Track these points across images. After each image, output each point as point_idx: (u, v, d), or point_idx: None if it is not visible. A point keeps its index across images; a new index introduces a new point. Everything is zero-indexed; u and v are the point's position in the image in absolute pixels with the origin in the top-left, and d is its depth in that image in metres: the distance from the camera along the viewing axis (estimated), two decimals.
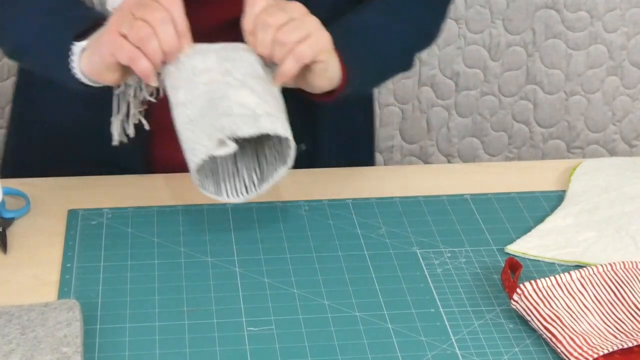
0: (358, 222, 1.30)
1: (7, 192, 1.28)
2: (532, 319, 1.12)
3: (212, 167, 1.19)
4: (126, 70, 1.19)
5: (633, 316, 1.13)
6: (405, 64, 1.44)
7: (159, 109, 1.31)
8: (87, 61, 1.20)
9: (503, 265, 1.22)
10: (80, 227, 1.27)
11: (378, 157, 2.22)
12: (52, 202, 1.31)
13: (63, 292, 1.15)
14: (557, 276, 1.16)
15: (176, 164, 1.28)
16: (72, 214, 1.29)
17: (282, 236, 1.27)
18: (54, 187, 1.35)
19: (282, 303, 1.16)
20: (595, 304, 1.14)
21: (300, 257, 1.24)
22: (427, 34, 1.47)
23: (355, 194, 1.36)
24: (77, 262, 1.21)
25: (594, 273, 1.17)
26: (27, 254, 1.22)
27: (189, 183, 1.37)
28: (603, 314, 1.13)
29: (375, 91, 2.14)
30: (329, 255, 1.24)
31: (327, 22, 1.23)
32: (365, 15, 1.37)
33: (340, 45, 1.24)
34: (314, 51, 1.18)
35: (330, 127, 1.47)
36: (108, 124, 1.35)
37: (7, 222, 1.25)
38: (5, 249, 1.22)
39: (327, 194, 1.36)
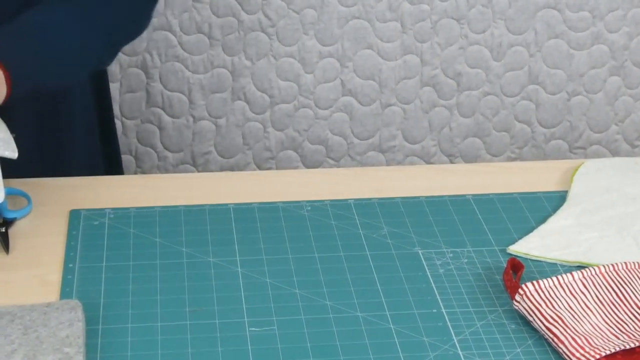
0: (360, 223, 1.30)
1: (8, 192, 1.28)
2: (534, 320, 1.12)
3: None
4: None
5: (635, 317, 1.13)
6: (92, 61, 1.43)
7: None
8: None
9: (505, 265, 1.22)
10: (82, 227, 1.27)
11: (380, 156, 2.22)
12: (53, 202, 1.31)
13: (65, 293, 1.15)
14: (559, 277, 1.16)
15: None
16: (74, 214, 1.29)
17: (284, 236, 1.27)
18: (56, 187, 1.35)
19: (284, 303, 1.16)
20: (598, 305, 1.14)
21: (302, 257, 1.24)
22: (118, 28, 1.45)
23: (357, 194, 1.36)
24: (79, 262, 1.21)
25: (596, 274, 1.17)
26: (29, 254, 1.22)
27: (191, 183, 1.38)
28: (605, 314, 1.13)
29: (377, 91, 2.15)
30: (331, 255, 1.24)
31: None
32: (39, 13, 1.36)
33: (1, 49, 1.26)
34: None
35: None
36: None
37: (9, 222, 1.25)
38: (7, 249, 1.22)
39: (329, 194, 1.36)
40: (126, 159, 2.17)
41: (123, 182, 1.39)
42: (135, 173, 2.17)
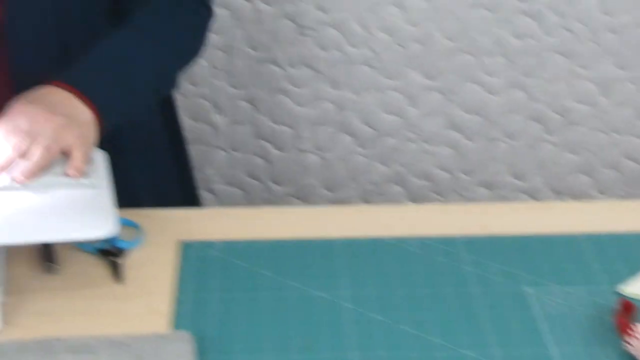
0: (467, 259, 1.29)
1: (122, 223, 1.30)
2: None
3: None
4: None
5: None
6: (166, 85, 1.48)
7: None
8: None
9: (616, 306, 1.20)
10: (192, 258, 1.28)
11: (484, 191, 2.21)
12: (164, 233, 1.33)
13: (175, 324, 1.17)
14: None
15: None
16: (184, 246, 1.31)
17: (389, 272, 1.27)
18: (166, 218, 1.37)
19: (390, 340, 1.15)
20: None
21: (408, 293, 1.23)
22: (184, 51, 1.49)
23: (464, 230, 1.35)
24: (188, 293, 1.22)
25: None
26: (140, 285, 1.24)
27: (297, 216, 1.39)
28: None
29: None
30: (437, 292, 1.23)
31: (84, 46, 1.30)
32: (113, 44, 1.40)
33: (86, 86, 1.31)
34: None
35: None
36: None
37: (122, 253, 1.28)
38: (120, 279, 1.24)
39: (435, 230, 1.35)
40: (232, 191, 2.20)
41: (231, 215, 1.40)
42: (243, 205, 2.19)
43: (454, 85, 2.12)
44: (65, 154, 1.26)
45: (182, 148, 1.69)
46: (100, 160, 1.32)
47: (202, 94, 2.13)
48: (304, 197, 2.19)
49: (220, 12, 2.06)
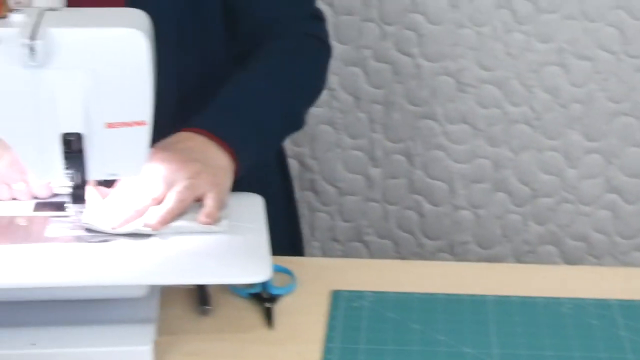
0: (623, 324, 1.26)
1: (275, 270, 1.32)
2: None
3: None
4: None
5: None
6: (294, 124, 1.48)
7: None
8: None
9: None
10: (343, 308, 1.29)
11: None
12: (316, 281, 1.35)
13: None
14: None
15: None
16: (336, 295, 1.32)
17: (541, 332, 1.25)
18: (319, 266, 1.39)
19: None
20: None
21: (560, 355, 1.21)
22: (310, 89, 1.50)
23: (621, 294, 1.32)
24: (337, 342, 1.23)
25: None
26: (292, 331, 1.25)
27: (449, 271, 1.38)
28: None
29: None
30: (591, 356, 1.21)
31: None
32: (242, 86, 1.41)
33: (222, 130, 1.33)
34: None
35: None
36: None
37: (274, 299, 1.29)
38: (271, 325, 1.25)
39: (590, 293, 1.33)
40: (384, 243, 2.20)
41: (383, 266, 1.41)
42: (393, 258, 2.19)
43: (615, 148, 2.08)
44: (200, 200, 1.29)
45: (292, 193, 1.70)
46: (257, 204, 1.35)
47: (359, 146, 2.15)
48: (456, 253, 2.18)
49: (380, 67, 2.08)
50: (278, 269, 1.33)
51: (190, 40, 1.46)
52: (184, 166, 1.29)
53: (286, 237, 1.65)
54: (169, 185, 1.28)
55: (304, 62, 1.50)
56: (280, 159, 1.67)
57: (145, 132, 1.21)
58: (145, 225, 1.25)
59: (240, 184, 1.37)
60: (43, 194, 1.34)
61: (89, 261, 1.20)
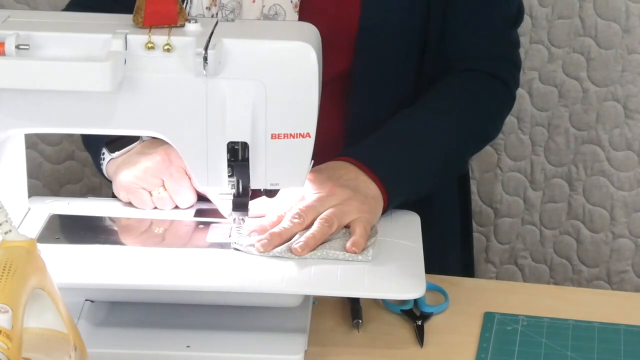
0: None
1: (428, 288, 1.32)
2: None
3: None
4: None
5: None
6: (455, 169, 1.46)
7: None
8: (114, 183, 1.39)
9: None
10: (495, 330, 1.28)
11: None
12: (469, 302, 1.34)
13: None
14: None
15: None
16: (488, 317, 1.31)
17: None
18: (473, 287, 1.38)
19: None
20: None
21: None
22: (479, 136, 1.45)
23: None
24: None
25: None
26: (442, 351, 1.25)
27: (606, 300, 1.36)
28: None
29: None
30: None
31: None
32: (408, 122, 1.39)
33: (376, 165, 1.32)
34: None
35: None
36: None
37: (426, 317, 1.29)
38: (422, 343, 1.26)
39: None
40: (540, 267, 2.17)
41: (537, 291, 1.39)
42: (548, 283, 2.17)
43: None
44: (347, 227, 1.29)
45: (469, 216, 1.68)
46: (414, 223, 1.35)
47: (519, 168, 2.13)
48: (613, 281, 2.14)
49: (547, 89, 2.06)
50: (431, 287, 1.34)
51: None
52: (334, 191, 1.30)
53: (459, 256, 1.65)
54: (317, 211, 1.28)
55: (480, 108, 1.47)
56: (463, 176, 1.66)
57: (309, 145, 1.23)
58: (290, 250, 1.26)
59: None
60: (184, 204, 1.37)
61: (246, 268, 1.22)
